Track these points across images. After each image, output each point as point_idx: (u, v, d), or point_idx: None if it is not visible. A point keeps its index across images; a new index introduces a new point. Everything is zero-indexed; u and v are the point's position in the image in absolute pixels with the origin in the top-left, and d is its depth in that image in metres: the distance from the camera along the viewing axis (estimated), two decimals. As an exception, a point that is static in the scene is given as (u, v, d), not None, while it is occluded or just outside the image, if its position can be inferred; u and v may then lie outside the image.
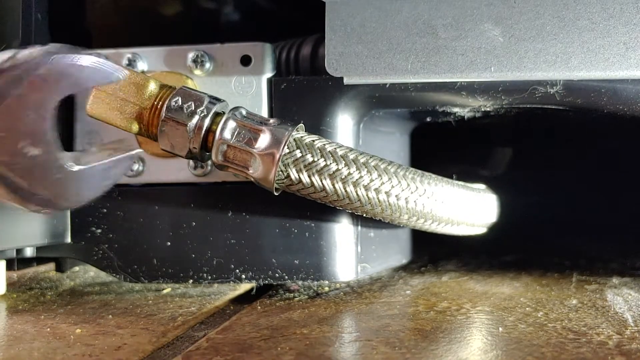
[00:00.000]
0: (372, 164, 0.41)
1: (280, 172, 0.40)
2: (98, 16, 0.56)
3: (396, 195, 0.41)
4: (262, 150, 0.39)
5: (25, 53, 0.35)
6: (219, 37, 0.46)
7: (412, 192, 0.41)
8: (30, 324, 0.40)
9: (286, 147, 0.39)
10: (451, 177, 0.45)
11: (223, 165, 0.40)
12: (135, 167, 0.47)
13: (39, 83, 0.34)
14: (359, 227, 0.47)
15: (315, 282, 0.47)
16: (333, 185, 0.40)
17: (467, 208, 0.45)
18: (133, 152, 0.39)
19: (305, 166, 0.40)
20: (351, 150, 0.41)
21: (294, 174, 0.40)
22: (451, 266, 0.57)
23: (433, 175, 0.43)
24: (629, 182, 0.68)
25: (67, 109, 0.48)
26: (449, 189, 0.44)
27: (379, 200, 0.41)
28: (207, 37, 0.48)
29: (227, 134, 0.40)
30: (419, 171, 0.43)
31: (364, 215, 0.42)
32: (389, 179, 0.41)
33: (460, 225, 0.45)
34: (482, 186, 0.48)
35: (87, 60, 0.36)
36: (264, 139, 0.39)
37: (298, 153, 0.40)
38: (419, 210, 0.42)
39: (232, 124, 0.40)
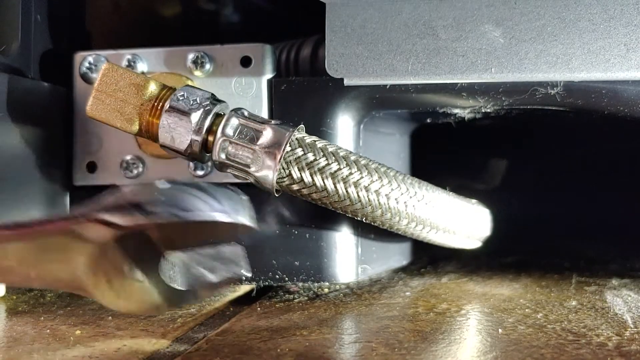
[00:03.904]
0: (373, 166, 0.41)
1: (282, 170, 0.40)
2: (98, 17, 0.56)
3: (395, 199, 0.41)
4: (264, 148, 0.39)
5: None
6: (219, 38, 0.46)
7: (410, 197, 0.41)
8: (30, 325, 0.40)
9: (288, 145, 0.39)
10: (451, 178, 0.45)
11: (223, 164, 0.40)
12: (136, 168, 0.47)
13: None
14: (360, 229, 0.47)
15: (316, 284, 0.47)
16: (334, 185, 0.40)
17: (463, 218, 0.45)
18: None
19: (307, 164, 0.40)
20: (351, 152, 0.41)
21: (295, 173, 0.40)
22: (451, 268, 0.57)
23: (430, 184, 0.43)
24: (628, 183, 0.68)
25: (67, 112, 0.48)
26: (446, 197, 0.44)
27: (379, 203, 0.41)
28: (207, 38, 0.48)
29: (230, 131, 0.40)
30: (416, 178, 0.43)
31: (364, 219, 0.42)
32: (389, 181, 0.41)
33: (457, 235, 0.45)
34: (474, 201, 0.48)
35: (222, 217, 0.34)
36: (266, 137, 0.40)
37: (299, 151, 0.40)
38: (418, 215, 0.42)
39: (234, 122, 0.40)
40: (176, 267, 0.35)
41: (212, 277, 0.36)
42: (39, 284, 0.35)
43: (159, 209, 0.32)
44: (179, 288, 0.35)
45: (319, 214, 0.45)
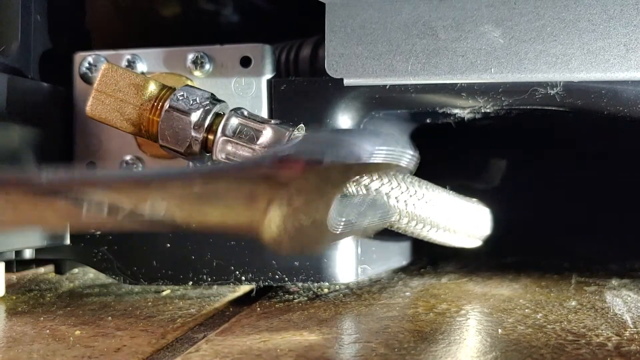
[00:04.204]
0: (372, 165, 0.41)
1: None
2: (98, 17, 0.56)
3: (396, 197, 0.41)
4: (263, 147, 0.39)
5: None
6: (218, 38, 0.46)
7: (410, 195, 0.41)
8: (30, 326, 0.40)
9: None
10: (451, 178, 0.45)
11: None
12: (135, 169, 0.47)
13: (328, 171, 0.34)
14: (359, 229, 0.47)
15: (315, 284, 0.47)
16: None
17: (463, 216, 0.45)
18: None
19: None
20: (351, 151, 0.41)
21: None
22: (450, 268, 0.57)
23: (430, 183, 0.43)
24: (628, 183, 0.68)
25: (67, 112, 0.48)
26: (446, 196, 0.44)
27: (379, 202, 0.41)
28: (206, 38, 0.48)
29: (229, 131, 0.40)
30: (416, 177, 0.43)
31: (364, 218, 0.42)
32: (389, 180, 0.41)
33: (457, 234, 0.45)
34: (474, 200, 0.48)
35: (380, 157, 0.35)
36: (265, 136, 0.39)
37: None
38: (418, 214, 0.42)
39: (234, 121, 0.40)
40: (342, 210, 0.36)
41: (363, 222, 0.37)
42: (214, 223, 0.35)
43: (335, 152, 0.33)
44: (339, 231, 0.36)
45: (319, 214, 0.45)
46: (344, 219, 0.36)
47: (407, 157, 0.37)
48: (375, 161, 0.35)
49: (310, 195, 0.34)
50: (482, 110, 0.45)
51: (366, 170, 0.36)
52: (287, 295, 0.47)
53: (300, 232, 0.35)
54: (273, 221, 0.34)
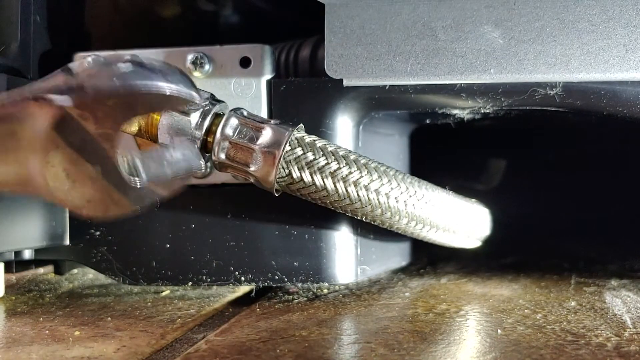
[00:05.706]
0: (372, 165, 0.41)
1: (282, 170, 0.40)
2: (97, 18, 0.56)
3: (395, 197, 0.41)
4: (263, 147, 0.39)
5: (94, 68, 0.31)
6: (218, 39, 0.46)
7: (410, 196, 0.41)
8: (29, 326, 0.40)
9: (288, 144, 0.39)
10: (450, 179, 0.45)
11: (223, 164, 0.40)
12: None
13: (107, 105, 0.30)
14: (359, 230, 0.47)
15: (315, 285, 0.47)
16: (334, 184, 0.40)
17: (463, 217, 0.45)
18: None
19: (306, 164, 0.40)
20: (351, 152, 0.41)
21: (295, 172, 0.40)
22: (450, 268, 0.57)
23: (429, 183, 0.43)
24: (628, 184, 0.68)
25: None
26: (445, 196, 0.44)
27: (378, 202, 0.41)
28: (206, 38, 0.48)
29: (229, 131, 0.40)
30: (415, 177, 0.43)
31: (364, 218, 0.42)
32: (389, 180, 0.41)
33: (457, 234, 0.45)
34: (473, 200, 0.48)
35: (164, 87, 0.33)
36: (265, 136, 0.39)
37: (299, 151, 0.40)
38: (417, 214, 0.42)
39: (234, 121, 0.40)
40: (133, 162, 0.33)
41: (168, 172, 0.34)
42: None
43: (105, 84, 0.30)
44: (136, 185, 0.32)
45: (319, 214, 0.45)
46: (143, 172, 0.32)
47: (197, 96, 0.35)
48: (169, 94, 0.32)
49: (89, 133, 0.28)
50: (482, 111, 0.45)
51: (155, 102, 0.32)
52: (286, 296, 0.47)
53: (92, 187, 0.29)
54: (56, 171, 0.28)
